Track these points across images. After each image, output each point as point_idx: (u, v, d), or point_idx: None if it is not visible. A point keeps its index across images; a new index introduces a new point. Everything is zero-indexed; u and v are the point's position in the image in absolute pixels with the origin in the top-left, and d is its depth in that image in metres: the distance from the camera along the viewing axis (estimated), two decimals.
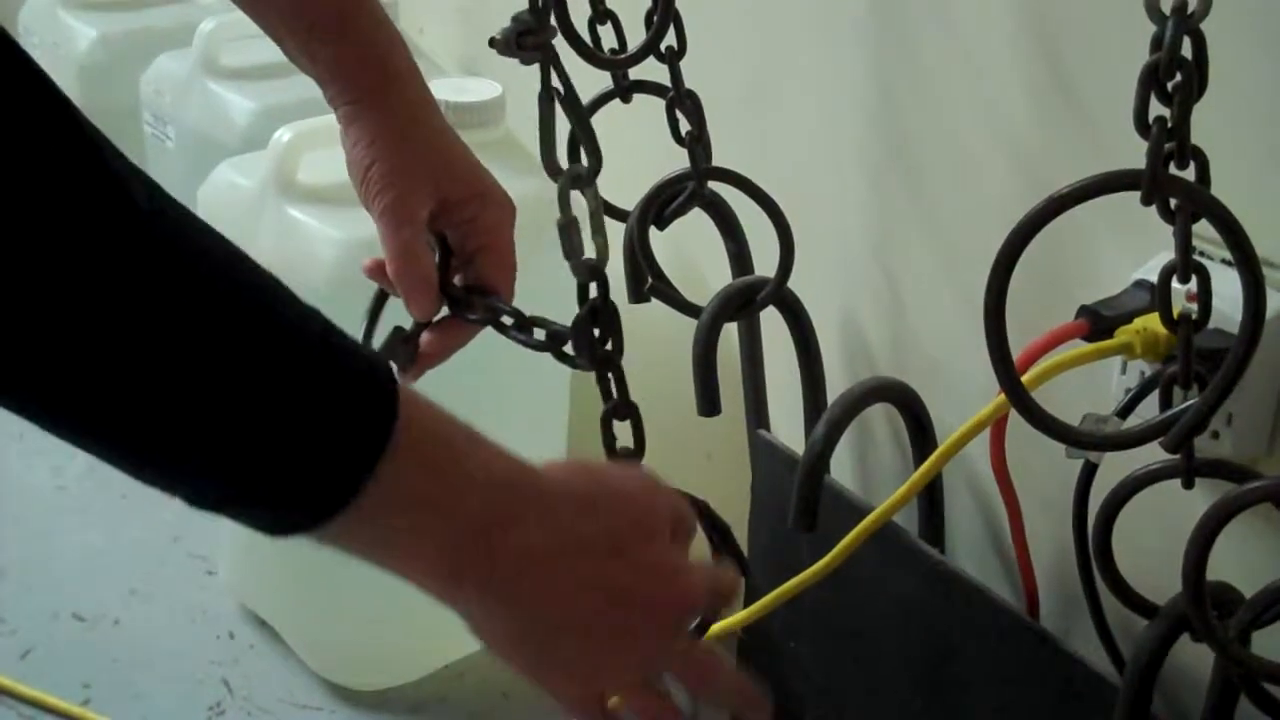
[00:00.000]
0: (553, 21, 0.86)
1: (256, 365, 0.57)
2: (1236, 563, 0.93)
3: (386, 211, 0.87)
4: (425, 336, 0.89)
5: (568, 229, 0.76)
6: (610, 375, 0.81)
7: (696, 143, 1.15)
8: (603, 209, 0.77)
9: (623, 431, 0.86)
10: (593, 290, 0.79)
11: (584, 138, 0.75)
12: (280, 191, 1.43)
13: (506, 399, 1.53)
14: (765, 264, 1.21)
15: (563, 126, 0.97)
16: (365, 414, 0.60)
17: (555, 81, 0.76)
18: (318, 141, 1.45)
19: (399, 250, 0.86)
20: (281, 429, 0.58)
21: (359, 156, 0.87)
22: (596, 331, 0.80)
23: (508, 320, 0.84)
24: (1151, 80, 0.78)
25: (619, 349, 0.80)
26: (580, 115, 0.74)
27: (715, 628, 0.88)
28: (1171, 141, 0.79)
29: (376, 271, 0.91)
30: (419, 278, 0.87)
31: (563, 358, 0.84)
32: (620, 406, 0.81)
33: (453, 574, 0.67)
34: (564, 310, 1.64)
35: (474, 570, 0.66)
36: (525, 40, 0.71)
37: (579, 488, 0.70)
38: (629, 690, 0.75)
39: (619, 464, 0.76)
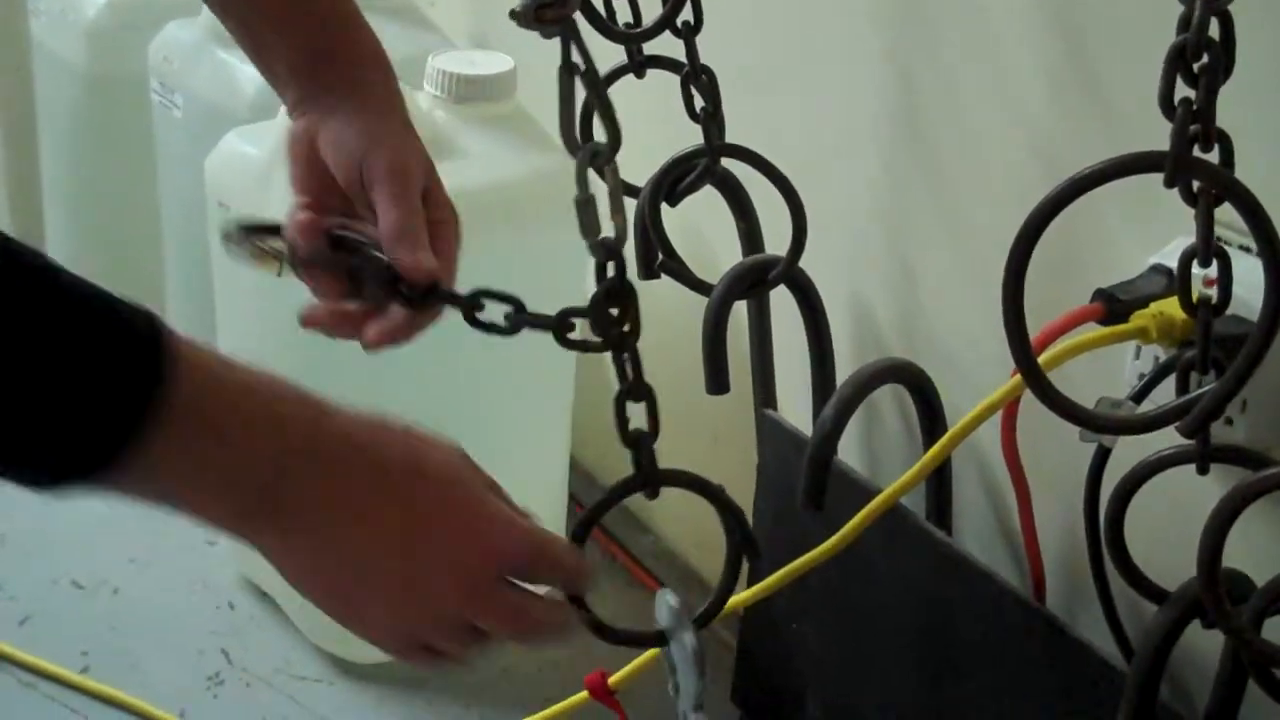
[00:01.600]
0: None
1: (17, 324, 0.59)
2: (1246, 550, 0.92)
3: (397, 196, 0.86)
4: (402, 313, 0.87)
5: (585, 206, 0.75)
6: (626, 356, 0.80)
7: (711, 119, 1.14)
8: (621, 187, 0.75)
9: (636, 414, 0.85)
10: (610, 270, 0.78)
11: (604, 114, 0.74)
12: None
13: (511, 380, 1.52)
14: (776, 243, 1.21)
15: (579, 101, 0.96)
16: (131, 373, 0.61)
17: (576, 56, 0.75)
18: None
19: (419, 225, 0.86)
20: (44, 389, 0.60)
21: (352, 144, 0.86)
22: (614, 311, 0.79)
23: (507, 309, 0.84)
24: (1178, 61, 0.77)
25: (636, 330, 0.79)
26: (601, 91, 0.73)
27: (730, 604, 0.88)
28: (1196, 124, 0.78)
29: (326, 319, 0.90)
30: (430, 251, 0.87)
31: (566, 343, 0.84)
32: (635, 388, 0.80)
33: (243, 523, 0.69)
34: (566, 287, 1.64)
35: (265, 521, 0.69)
36: (545, 13, 0.70)
37: (372, 435, 0.73)
38: (445, 634, 0.76)
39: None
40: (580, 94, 0.84)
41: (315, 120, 0.88)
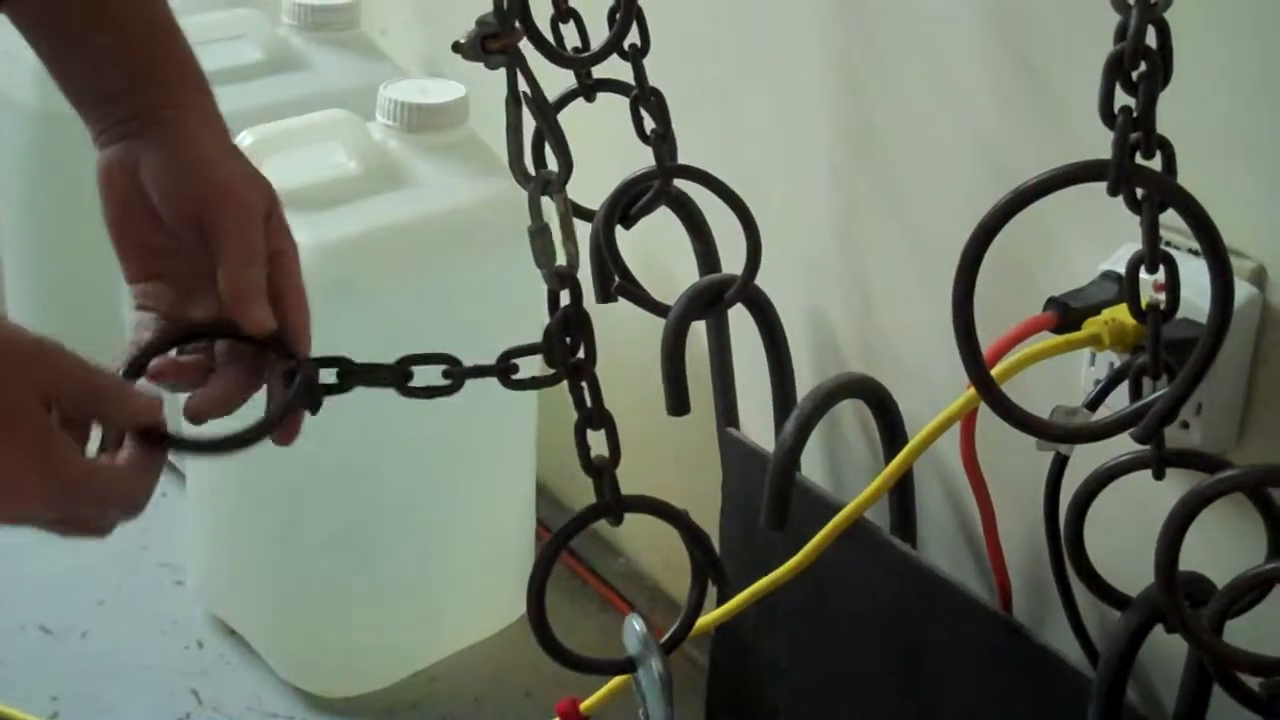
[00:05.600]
0: (517, 25, 0.85)
1: None
2: (1206, 553, 0.93)
3: (235, 244, 0.78)
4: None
5: (539, 235, 0.75)
6: (584, 384, 0.80)
7: (662, 141, 1.14)
8: (571, 214, 0.75)
9: (597, 441, 0.85)
10: (564, 298, 0.78)
11: (554, 142, 0.74)
12: None
13: (475, 406, 1.51)
14: (732, 262, 1.21)
15: (528, 128, 0.96)
16: None
17: (522, 85, 0.75)
18: (280, 145, 1.44)
19: (259, 276, 0.79)
20: None
21: (182, 180, 0.79)
22: (569, 340, 0.79)
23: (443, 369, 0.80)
24: (1116, 70, 0.78)
25: (592, 357, 0.79)
26: (550, 119, 0.73)
27: (698, 625, 0.88)
28: (1137, 131, 0.78)
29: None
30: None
31: (513, 384, 0.82)
32: (595, 416, 0.80)
33: None
34: (523, 312, 1.63)
35: None
36: (490, 44, 0.70)
37: None
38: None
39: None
40: (530, 122, 0.85)
41: (134, 149, 0.80)
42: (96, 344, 2.06)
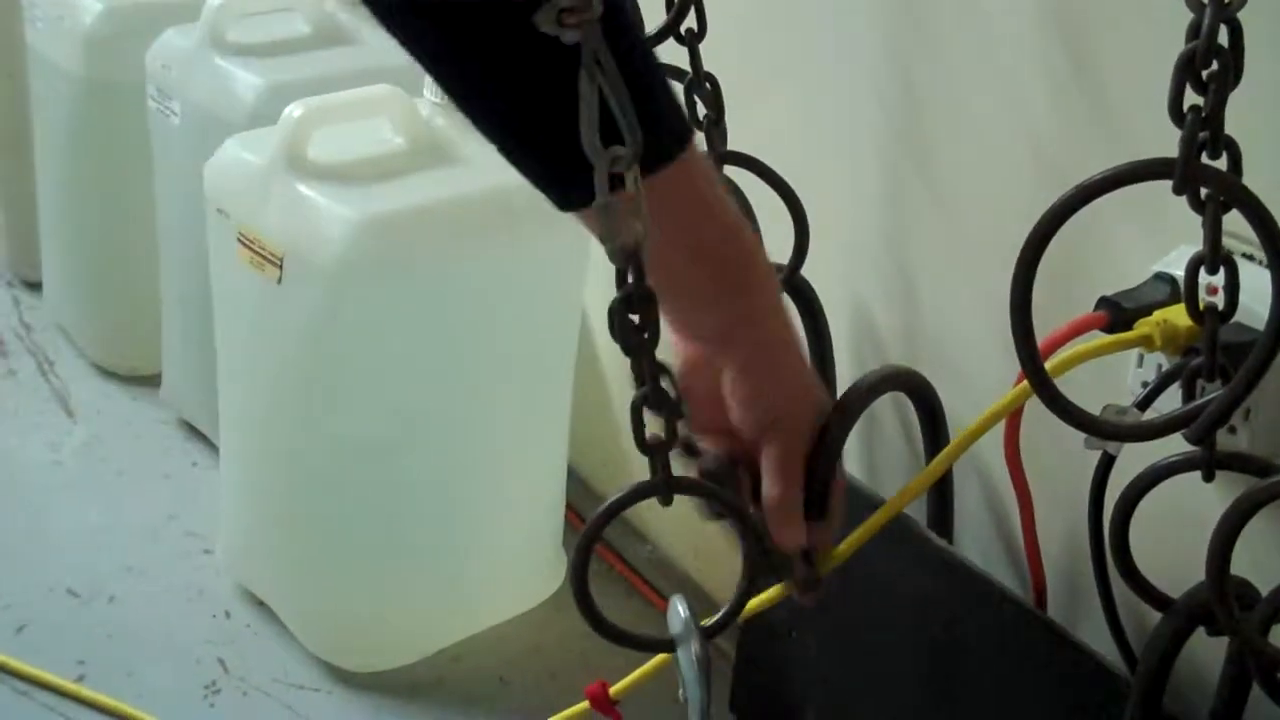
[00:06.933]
0: None
1: None
2: (1248, 556, 0.92)
3: (784, 468, 0.87)
4: None
5: (606, 211, 0.74)
6: (644, 362, 0.80)
7: (714, 127, 1.14)
8: (641, 191, 0.75)
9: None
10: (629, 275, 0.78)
11: (624, 119, 0.73)
12: (290, 168, 1.42)
13: (510, 389, 1.52)
14: (777, 250, 1.20)
15: None
16: None
17: (598, 60, 0.74)
18: (328, 118, 1.45)
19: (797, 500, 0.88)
20: None
21: (756, 398, 0.86)
22: (634, 318, 0.78)
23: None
24: (1187, 69, 0.78)
25: (655, 336, 0.79)
26: (622, 96, 0.72)
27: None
28: (1205, 131, 0.78)
29: None
30: None
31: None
32: (655, 395, 0.79)
33: None
34: (565, 292, 1.63)
35: None
36: (567, 17, 0.70)
37: None
38: None
39: None
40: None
41: (712, 354, 0.86)
42: (128, 309, 2.07)
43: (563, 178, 0.77)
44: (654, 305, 0.77)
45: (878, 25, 1.25)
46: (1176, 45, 0.79)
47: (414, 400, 1.47)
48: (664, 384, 0.80)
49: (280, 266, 1.40)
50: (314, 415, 1.46)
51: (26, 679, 1.51)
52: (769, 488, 0.86)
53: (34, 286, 2.11)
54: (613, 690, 1.17)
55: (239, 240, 1.44)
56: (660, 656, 1.05)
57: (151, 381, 1.92)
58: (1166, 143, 0.80)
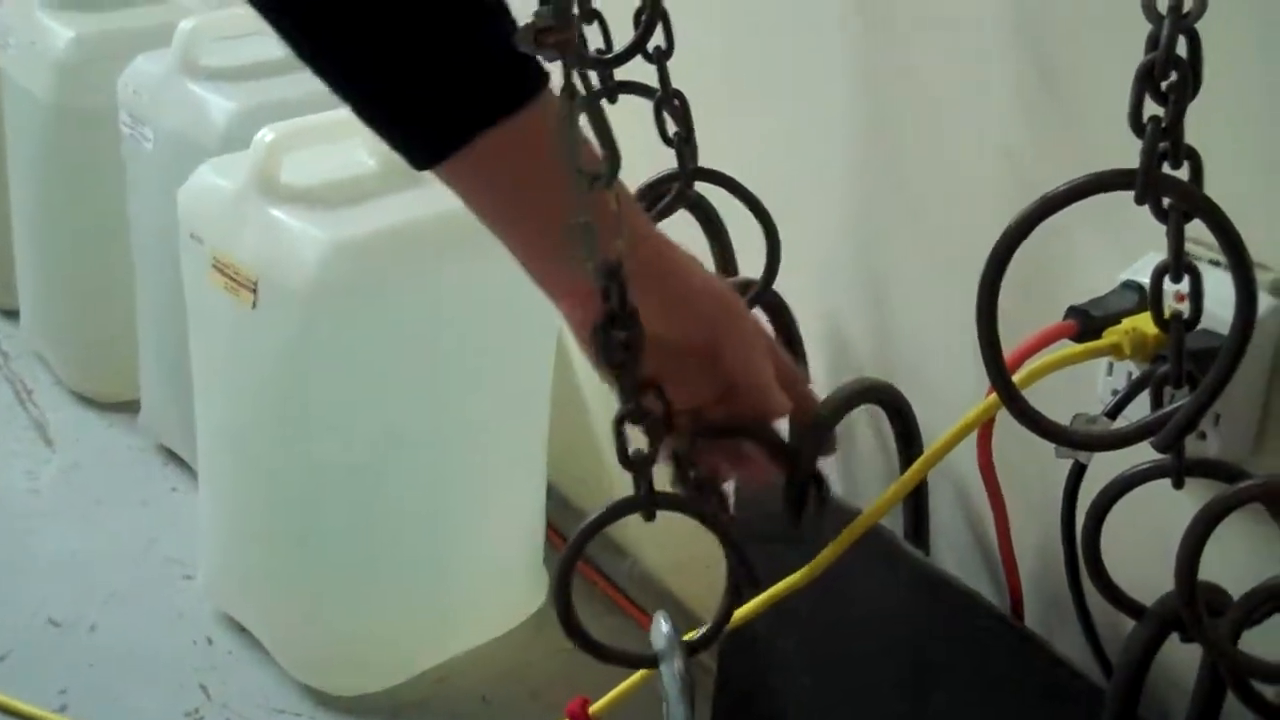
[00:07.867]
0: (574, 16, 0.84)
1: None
2: (1221, 562, 0.93)
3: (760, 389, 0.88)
4: None
5: (585, 230, 0.74)
6: (627, 379, 0.80)
7: (684, 143, 1.14)
8: (621, 208, 0.75)
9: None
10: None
11: (602, 137, 0.74)
12: (263, 192, 1.42)
13: (488, 405, 1.52)
14: (750, 265, 1.21)
15: None
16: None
17: (577, 81, 0.75)
18: (300, 142, 1.45)
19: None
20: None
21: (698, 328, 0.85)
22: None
23: None
24: (1146, 79, 0.78)
25: (639, 352, 0.79)
26: (599, 115, 0.73)
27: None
28: (1165, 141, 0.79)
29: None
30: None
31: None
32: (637, 411, 0.79)
33: None
34: (549, 313, 1.63)
35: None
36: (546, 38, 0.70)
37: None
38: None
39: None
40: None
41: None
42: (105, 336, 2.07)
43: (424, 126, 0.77)
44: (637, 321, 0.77)
45: (848, 41, 1.26)
46: (1139, 55, 0.80)
47: (391, 421, 1.47)
48: (648, 399, 0.80)
49: (254, 291, 1.40)
50: (291, 438, 1.46)
51: (8, 710, 1.50)
52: (744, 377, 0.85)
53: (11, 314, 2.10)
54: (593, 709, 1.18)
55: (213, 266, 1.44)
56: (639, 673, 1.05)
57: (130, 407, 1.92)
58: (1135, 152, 0.80)
